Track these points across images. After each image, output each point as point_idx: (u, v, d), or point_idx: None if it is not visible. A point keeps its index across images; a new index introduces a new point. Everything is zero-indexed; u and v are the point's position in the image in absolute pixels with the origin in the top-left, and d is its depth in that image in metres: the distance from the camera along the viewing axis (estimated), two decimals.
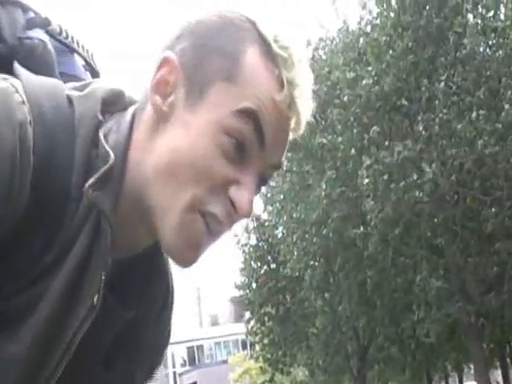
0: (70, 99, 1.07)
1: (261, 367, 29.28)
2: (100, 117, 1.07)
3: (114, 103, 1.11)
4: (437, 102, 15.71)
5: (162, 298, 1.24)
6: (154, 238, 1.09)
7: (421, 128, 15.87)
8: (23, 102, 1.00)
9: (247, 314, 30.16)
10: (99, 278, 1.02)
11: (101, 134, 1.05)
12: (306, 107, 1.09)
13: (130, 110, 1.12)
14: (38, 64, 1.17)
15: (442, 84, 15.32)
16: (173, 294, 1.28)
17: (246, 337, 30.44)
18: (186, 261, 1.08)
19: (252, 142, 1.04)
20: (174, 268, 1.27)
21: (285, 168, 24.26)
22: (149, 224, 1.06)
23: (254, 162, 1.06)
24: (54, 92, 1.06)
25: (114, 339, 1.14)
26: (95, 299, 1.01)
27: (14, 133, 0.96)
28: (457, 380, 26.79)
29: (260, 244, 27.50)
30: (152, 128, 1.08)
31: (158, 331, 1.25)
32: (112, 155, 1.04)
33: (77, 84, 1.13)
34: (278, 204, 25.18)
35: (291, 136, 1.11)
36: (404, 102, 16.50)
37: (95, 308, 1.02)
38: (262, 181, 1.09)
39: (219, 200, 1.04)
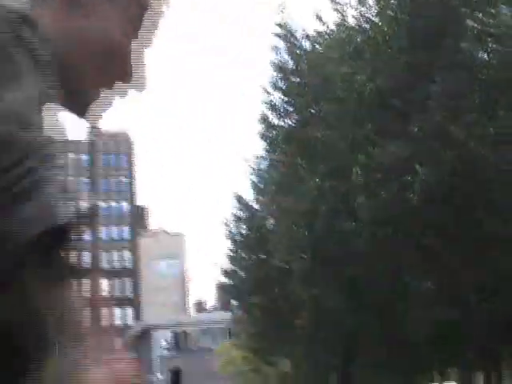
0: None
1: (246, 356, 29.30)
2: None
3: None
4: (431, 103, 15.72)
5: None
6: None
7: (416, 129, 15.88)
8: None
9: (234, 303, 30.19)
10: None
11: None
12: None
13: None
14: None
15: (437, 86, 15.33)
16: None
17: (232, 325, 30.44)
18: None
19: None
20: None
21: (277, 159, 24.24)
22: None
23: None
24: None
25: None
26: None
27: None
28: None
29: (249, 233, 27.49)
30: None
31: None
32: None
33: None
34: (269, 195, 25.15)
35: None
36: (398, 101, 16.47)
37: None
38: None
39: None
